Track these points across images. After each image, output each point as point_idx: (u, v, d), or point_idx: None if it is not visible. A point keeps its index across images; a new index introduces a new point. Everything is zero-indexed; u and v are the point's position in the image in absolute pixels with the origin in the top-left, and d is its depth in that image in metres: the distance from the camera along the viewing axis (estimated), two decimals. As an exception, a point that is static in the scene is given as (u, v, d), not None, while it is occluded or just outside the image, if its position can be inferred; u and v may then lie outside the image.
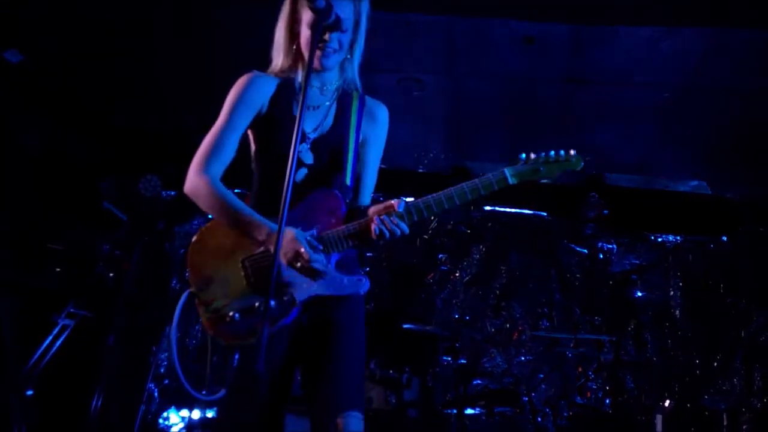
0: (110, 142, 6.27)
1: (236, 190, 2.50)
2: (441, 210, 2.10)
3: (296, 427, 4.35)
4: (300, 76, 2.30)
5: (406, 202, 2.09)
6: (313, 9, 2.04)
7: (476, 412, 5.08)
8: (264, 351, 1.65)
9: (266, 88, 2.29)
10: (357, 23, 2.25)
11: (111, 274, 5.77)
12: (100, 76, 5.40)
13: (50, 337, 5.02)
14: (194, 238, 2.23)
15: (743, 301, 6.15)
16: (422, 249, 6.78)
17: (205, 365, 2.16)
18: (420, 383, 5.06)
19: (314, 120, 2.29)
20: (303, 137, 2.24)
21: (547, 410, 5.44)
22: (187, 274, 2.20)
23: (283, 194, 1.76)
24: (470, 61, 4.81)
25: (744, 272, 6.24)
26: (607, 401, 5.46)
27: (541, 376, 6.06)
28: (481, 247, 6.73)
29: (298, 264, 2.03)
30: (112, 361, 5.41)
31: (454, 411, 4.92)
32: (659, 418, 4.78)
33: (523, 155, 2.17)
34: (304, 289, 2.08)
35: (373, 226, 2.06)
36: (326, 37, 2.17)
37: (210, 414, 5.35)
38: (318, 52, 2.18)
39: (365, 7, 2.26)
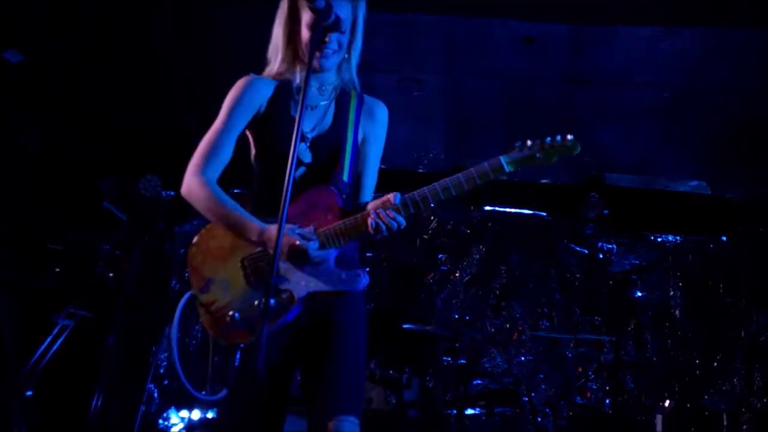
0: (110, 142, 6.27)
1: (235, 190, 2.50)
2: (437, 201, 2.08)
3: (296, 427, 4.36)
4: (298, 77, 2.31)
5: (402, 195, 2.08)
6: (313, 9, 2.04)
7: (476, 412, 5.08)
8: (263, 350, 1.65)
9: (264, 90, 2.31)
10: (354, 23, 2.27)
11: (111, 274, 5.77)
12: (100, 76, 5.40)
13: (50, 337, 5.03)
14: (194, 240, 2.24)
15: (743, 301, 6.15)
16: (422, 249, 6.78)
17: (205, 365, 2.17)
18: (420, 383, 5.05)
19: (312, 119, 2.30)
20: (302, 137, 2.25)
21: (547, 410, 5.44)
22: (187, 275, 2.21)
23: (283, 194, 1.77)
24: (470, 61, 4.81)
25: (744, 272, 6.24)
26: (607, 401, 5.45)
27: (541, 376, 6.06)
28: (481, 247, 6.73)
29: (296, 257, 2.04)
30: (112, 361, 5.41)
31: (454, 411, 4.92)
32: (659, 418, 4.78)
33: (519, 143, 2.11)
34: (303, 286, 2.08)
35: (369, 220, 2.06)
36: (326, 38, 2.17)
37: (210, 414, 5.35)
38: (317, 53, 2.19)
39: (362, 8, 2.28)
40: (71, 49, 5.04)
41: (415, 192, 2.09)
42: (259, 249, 2.13)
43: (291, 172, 1.79)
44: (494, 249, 6.72)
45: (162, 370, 5.99)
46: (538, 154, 2.11)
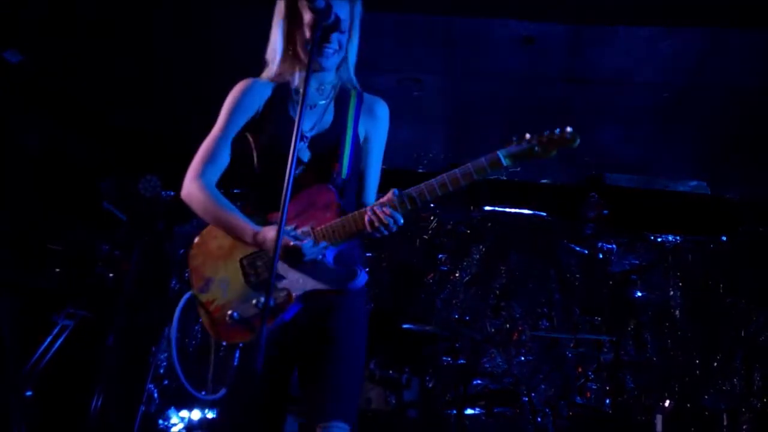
0: (110, 142, 6.27)
1: (236, 191, 2.50)
2: (434, 197, 2.06)
3: (296, 427, 4.37)
4: (297, 78, 2.32)
5: (400, 192, 2.08)
6: (313, 10, 2.04)
7: (476, 412, 5.08)
8: (263, 350, 1.65)
9: (262, 93, 2.33)
10: (351, 23, 2.28)
11: (111, 275, 5.77)
12: (100, 76, 5.40)
13: (50, 338, 5.02)
14: (195, 241, 2.26)
15: (743, 301, 6.15)
16: (422, 249, 6.78)
17: (204, 365, 2.17)
18: (420, 383, 5.05)
19: (311, 119, 2.30)
20: (300, 136, 2.25)
21: (547, 410, 5.44)
22: (187, 275, 2.21)
23: (283, 193, 1.77)
24: (470, 61, 4.80)
25: (744, 272, 6.24)
26: (607, 401, 5.46)
27: (541, 376, 6.06)
28: (481, 247, 6.73)
29: (291, 257, 2.05)
30: (111, 362, 5.41)
31: (454, 411, 4.92)
32: (659, 418, 4.78)
33: (516, 137, 2.08)
34: (300, 284, 2.08)
35: (365, 217, 2.06)
36: (327, 37, 2.18)
37: (210, 414, 5.35)
38: (318, 53, 2.20)
39: (359, 8, 2.30)
40: (71, 49, 5.03)
41: (411, 189, 2.08)
42: (257, 249, 2.15)
43: (291, 171, 1.79)
44: (494, 249, 6.72)
45: (162, 370, 5.99)
46: (536, 148, 2.07)
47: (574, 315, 6.40)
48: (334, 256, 2.13)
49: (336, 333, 2.14)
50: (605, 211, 6.03)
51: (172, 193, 6.32)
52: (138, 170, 6.15)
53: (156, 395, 5.71)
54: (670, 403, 5.36)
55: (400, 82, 5.07)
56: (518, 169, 6.40)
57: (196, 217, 2.28)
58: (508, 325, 6.41)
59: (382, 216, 2.04)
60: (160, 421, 5.62)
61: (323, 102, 2.33)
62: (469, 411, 5.04)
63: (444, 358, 5.28)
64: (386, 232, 2.07)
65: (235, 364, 2.06)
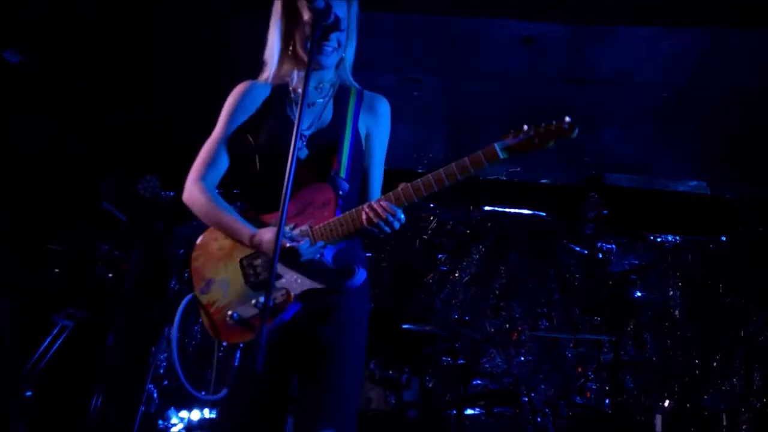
0: (110, 142, 6.27)
1: (236, 191, 2.50)
2: (431, 192, 2.04)
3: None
4: (296, 78, 2.33)
5: (398, 188, 2.07)
6: (313, 10, 2.04)
7: (476, 412, 5.08)
8: (262, 350, 1.65)
9: (260, 94, 2.35)
10: (349, 22, 2.29)
11: (110, 275, 5.77)
12: (100, 76, 5.40)
13: (50, 338, 5.02)
14: (197, 242, 2.27)
15: (743, 301, 6.15)
16: (422, 249, 6.78)
17: (204, 365, 2.17)
18: (419, 383, 5.05)
19: (309, 117, 2.30)
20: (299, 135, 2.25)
21: (547, 410, 5.43)
22: (186, 275, 2.22)
23: (283, 193, 1.77)
24: (470, 61, 4.81)
25: (743, 272, 6.24)
26: (607, 401, 5.46)
27: (541, 376, 6.06)
28: (480, 247, 6.73)
29: (288, 258, 2.05)
30: (111, 362, 5.41)
31: (454, 411, 4.92)
32: (659, 418, 4.78)
33: (513, 129, 2.03)
34: (298, 284, 2.08)
35: (363, 213, 2.05)
36: (326, 36, 2.18)
37: (209, 415, 5.35)
38: (317, 52, 2.20)
39: (355, 8, 2.31)
40: (71, 49, 5.03)
41: (408, 184, 2.07)
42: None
43: (291, 171, 1.79)
44: (494, 249, 6.73)
45: (162, 371, 5.99)
46: (534, 140, 2.00)
47: (573, 315, 6.40)
48: (333, 255, 2.13)
49: (335, 333, 2.13)
50: (605, 211, 6.03)
51: (171, 194, 6.32)
52: (138, 170, 6.15)
53: (156, 395, 5.71)
54: (669, 403, 5.36)
55: (400, 82, 5.07)
56: (518, 168, 6.43)
57: (196, 218, 2.28)
58: (507, 325, 6.41)
59: (379, 210, 2.03)
60: (160, 422, 5.61)
61: (321, 100, 2.33)
62: (469, 411, 5.04)
63: (444, 358, 5.28)
64: (387, 229, 2.05)
65: (236, 364, 2.05)
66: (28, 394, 4.85)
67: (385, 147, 2.42)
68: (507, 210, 6.77)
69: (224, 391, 2.05)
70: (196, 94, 5.28)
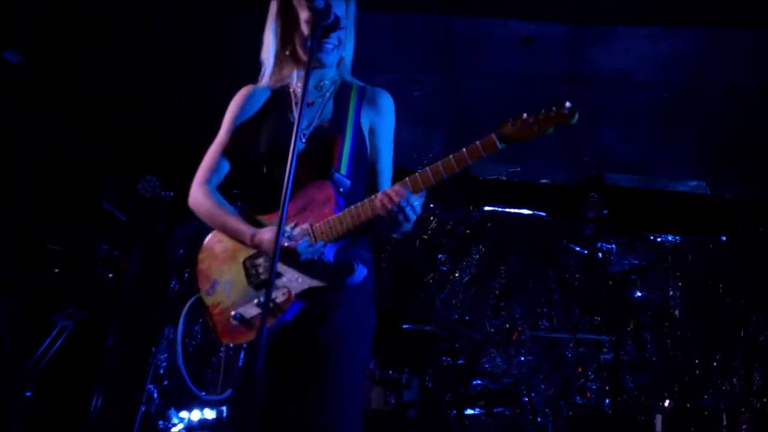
0: (110, 142, 6.26)
1: (236, 191, 2.51)
2: (429, 186, 2.03)
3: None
4: (295, 77, 2.34)
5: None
6: (312, 9, 2.04)
7: (476, 412, 5.07)
8: (263, 350, 1.65)
9: (261, 98, 2.37)
10: (347, 20, 2.29)
11: (110, 275, 5.76)
12: (100, 76, 5.40)
13: (50, 338, 5.02)
14: (203, 244, 2.31)
15: (742, 301, 6.14)
16: (422, 249, 6.77)
17: (204, 366, 2.18)
18: (419, 383, 5.05)
19: (309, 116, 2.30)
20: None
21: (547, 410, 5.42)
22: (186, 276, 2.23)
23: (283, 193, 1.77)
24: (470, 61, 4.81)
25: (743, 272, 6.24)
26: (607, 401, 5.45)
27: (541, 376, 6.06)
28: (480, 247, 6.72)
29: (288, 257, 2.06)
30: (111, 362, 5.40)
31: (454, 411, 4.91)
32: (659, 418, 4.77)
33: (512, 118, 2.02)
34: (299, 283, 2.08)
35: (377, 202, 2.03)
36: (326, 34, 2.19)
37: (210, 415, 5.35)
38: (317, 50, 2.20)
39: (353, 7, 2.32)
40: (71, 49, 5.03)
41: (406, 178, 2.06)
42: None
43: (291, 171, 1.79)
44: (494, 249, 6.72)
45: (162, 371, 5.98)
46: (534, 127, 1.99)
47: (573, 315, 6.40)
48: (334, 254, 2.13)
49: (334, 333, 2.12)
50: (605, 211, 6.02)
51: (171, 194, 6.31)
52: (138, 170, 6.15)
53: (156, 396, 5.71)
54: (669, 403, 5.34)
55: (400, 82, 5.07)
56: (518, 168, 6.41)
57: (197, 219, 2.30)
58: (507, 325, 6.41)
59: (393, 194, 2.01)
60: (160, 422, 5.61)
61: (321, 99, 2.33)
62: (468, 411, 5.03)
63: (444, 358, 5.28)
64: (400, 217, 2.01)
65: (240, 364, 2.06)
66: (28, 394, 4.85)
67: (392, 140, 2.41)
68: (507, 210, 6.77)
69: (228, 392, 2.06)
70: (196, 94, 5.28)
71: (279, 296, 2.06)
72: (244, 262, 2.18)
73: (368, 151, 2.34)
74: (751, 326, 6.07)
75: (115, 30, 4.74)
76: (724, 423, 4.72)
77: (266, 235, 2.10)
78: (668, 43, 4.35)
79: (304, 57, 2.25)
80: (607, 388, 5.47)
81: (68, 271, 5.39)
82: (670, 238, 6.54)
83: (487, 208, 6.76)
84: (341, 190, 2.18)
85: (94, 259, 5.72)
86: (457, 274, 6.65)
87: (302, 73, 2.28)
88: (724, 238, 6.40)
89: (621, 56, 4.54)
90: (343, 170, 2.20)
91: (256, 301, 2.10)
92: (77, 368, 5.32)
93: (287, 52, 2.31)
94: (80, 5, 4.48)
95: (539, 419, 5.16)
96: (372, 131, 2.36)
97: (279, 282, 2.08)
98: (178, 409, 5.61)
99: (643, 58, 4.53)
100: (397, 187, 2.03)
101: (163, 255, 6.41)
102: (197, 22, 4.65)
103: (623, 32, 4.31)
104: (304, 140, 2.25)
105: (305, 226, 2.12)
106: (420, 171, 2.04)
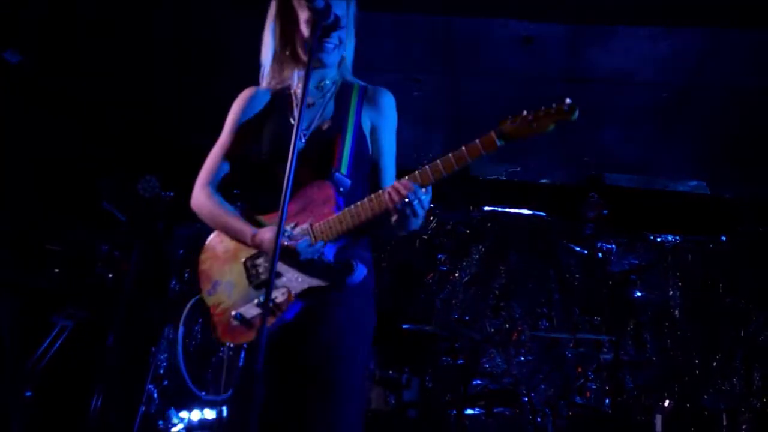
0: (110, 142, 6.26)
1: (236, 191, 2.51)
2: (428, 184, 2.03)
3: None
4: (296, 79, 2.34)
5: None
6: (312, 9, 2.04)
7: (476, 412, 5.07)
8: (263, 350, 1.65)
9: (262, 100, 2.38)
10: (348, 19, 2.29)
11: (110, 275, 5.76)
12: (100, 76, 5.40)
13: (50, 338, 5.02)
14: (204, 245, 2.32)
15: (742, 301, 6.15)
16: (421, 249, 6.77)
17: (204, 366, 2.18)
18: (419, 383, 5.05)
19: (310, 116, 2.30)
20: (300, 135, 2.25)
21: (547, 410, 5.42)
22: (186, 275, 2.24)
23: (283, 191, 1.77)
24: (470, 61, 4.81)
25: (743, 272, 6.24)
26: (607, 401, 5.45)
27: (541, 376, 6.06)
28: (480, 247, 6.72)
29: (288, 257, 2.06)
30: (111, 362, 5.40)
31: (454, 411, 4.92)
32: (659, 418, 4.77)
33: (511, 116, 2.01)
34: (299, 282, 2.08)
35: (385, 195, 2.01)
36: (326, 33, 2.18)
37: (210, 415, 5.35)
38: (319, 50, 2.21)
39: (353, 7, 2.32)
40: (71, 49, 5.03)
41: (406, 177, 2.06)
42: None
43: (291, 169, 1.79)
44: (494, 249, 6.72)
45: (162, 371, 5.98)
46: (533, 124, 1.98)
47: (573, 315, 6.40)
48: (334, 254, 2.13)
49: (333, 333, 2.11)
50: (605, 211, 6.02)
51: (171, 194, 6.31)
52: (137, 170, 6.15)
53: (156, 396, 5.70)
54: (669, 403, 5.34)
55: (400, 82, 5.07)
56: (518, 168, 6.41)
57: (197, 219, 2.30)
58: (507, 325, 6.41)
59: (401, 188, 1.99)
60: (160, 422, 5.61)
61: (322, 99, 2.33)
62: (468, 411, 5.03)
63: (444, 358, 5.28)
64: (408, 211, 1.99)
65: (241, 364, 2.06)
66: (28, 394, 4.85)
67: (394, 139, 2.41)
68: (507, 210, 6.77)
69: (229, 392, 2.06)
70: (196, 94, 5.28)
71: (279, 296, 2.06)
72: (244, 263, 2.18)
73: (369, 151, 2.33)
74: (751, 326, 6.08)
75: (115, 30, 4.74)
76: (724, 423, 4.72)
77: (266, 234, 2.11)
78: (668, 43, 4.36)
79: (304, 57, 2.25)
80: (607, 388, 5.47)
81: (68, 271, 5.39)
82: (670, 238, 6.54)
83: (487, 208, 6.76)
84: (341, 189, 2.18)
85: (94, 259, 5.72)
86: (457, 274, 6.65)
87: (303, 73, 2.28)
88: (723, 238, 6.40)
89: (621, 56, 4.54)
90: (344, 170, 2.20)
91: (256, 301, 2.10)
92: (77, 368, 5.32)
93: (287, 53, 2.31)
94: (80, 5, 4.48)
95: (539, 419, 5.16)
96: (374, 130, 2.35)
97: (279, 282, 2.08)
98: (178, 409, 5.61)
99: (643, 58, 4.54)
100: (404, 180, 2.02)
101: (163, 255, 6.42)
102: (197, 22, 4.65)
103: (623, 32, 4.31)
104: (304, 140, 2.25)
105: (305, 225, 2.12)
106: (420, 169, 2.04)
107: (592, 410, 5.37)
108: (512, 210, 6.76)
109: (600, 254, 6.48)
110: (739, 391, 5.84)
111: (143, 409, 5.32)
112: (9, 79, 5.09)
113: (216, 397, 2.04)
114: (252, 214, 2.24)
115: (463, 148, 2.02)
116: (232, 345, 2.15)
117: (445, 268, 6.68)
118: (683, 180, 6.32)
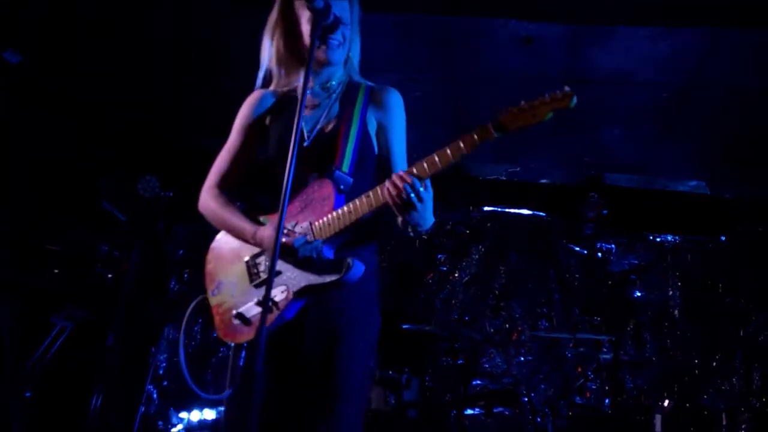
0: (110, 142, 6.26)
1: (242, 192, 2.53)
2: (425, 176, 2.01)
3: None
4: (301, 78, 2.32)
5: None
6: (312, 10, 2.04)
7: (476, 412, 5.07)
8: (263, 350, 1.65)
9: (268, 102, 2.40)
10: (351, 19, 2.29)
11: (110, 275, 5.76)
12: (100, 76, 5.40)
13: (49, 338, 5.02)
14: (210, 246, 2.34)
15: (742, 301, 6.15)
16: (421, 249, 6.77)
17: (204, 365, 2.18)
18: (419, 383, 5.05)
19: (315, 116, 2.31)
20: (302, 136, 2.25)
21: (547, 410, 5.42)
22: (186, 275, 2.25)
23: (283, 190, 1.77)
24: (470, 61, 4.81)
25: (743, 272, 6.24)
26: (607, 401, 5.45)
27: (541, 376, 6.06)
28: (480, 247, 6.72)
29: (287, 255, 2.07)
30: (111, 362, 5.40)
31: (454, 411, 4.92)
32: (658, 418, 4.77)
33: (508, 107, 2.02)
34: (298, 280, 2.08)
35: (384, 188, 1.99)
36: (331, 29, 2.17)
37: (209, 415, 5.35)
38: (324, 47, 2.22)
39: (357, 7, 2.32)
40: (71, 49, 5.03)
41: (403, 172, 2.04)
42: (260, 249, 2.19)
43: (291, 168, 1.79)
44: (493, 249, 6.72)
45: (161, 371, 5.98)
46: (530, 113, 2.00)
47: (573, 315, 6.40)
48: (333, 252, 2.13)
49: (333, 333, 2.12)
50: (605, 211, 6.03)
51: (171, 194, 6.31)
52: (137, 170, 6.15)
53: (155, 396, 5.71)
54: (669, 403, 5.35)
55: (400, 82, 5.07)
56: (518, 168, 6.40)
57: (197, 220, 2.31)
58: (507, 325, 6.41)
59: (397, 181, 1.98)
60: (160, 422, 5.61)
61: (327, 100, 2.33)
62: (468, 411, 5.04)
63: (444, 358, 5.28)
64: (413, 199, 1.97)
65: (241, 364, 2.06)
66: (28, 394, 4.85)
67: (403, 137, 2.38)
68: (507, 210, 6.77)
69: (227, 392, 2.06)
70: (196, 94, 5.28)
71: (278, 294, 2.07)
72: (247, 262, 2.20)
73: (375, 150, 2.32)
74: (751, 326, 6.08)
75: (115, 30, 4.74)
76: (724, 423, 4.72)
77: (266, 232, 2.13)
78: (668, 43, 4.35)
79: (306, 56, 2.24)
80: (606, 388, 5.47)
81: (68, 271, 5.39)
82: (669, 238, 6.54)
83: (486, 208, 6.76)
84: (342, 187, 2.16)
85: (94, 259, 5.72)
86: (456, 274, 6.65)
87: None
88: (723, 238, 6.40)
89: (621, 56, 4.54)
90: (345, 168, 2.18)
91: (256, 299, 2.11)
92: (77, 368, 5.32)
93: (291, 55, 2.31)
94: (80, 5, 4.48)
95: (539, 419, 5.16)
96: (381, 129, 2.34)
97: (278, 280, 2.08)
98: (178, 410, 5.62)
99: (643, 58, 4.53)
100: (401, 172, 2.00)
101: (163, 255, 6.42)
102: (197, 22, 4.65)
103: (623, 32, 4.31)
104: (308, 141, 2.25)
105: (305, 224, 2.12)
106: (416, 162, 2.03)
107: (592, 410, 5.37)
108: (512, 210, 6.76)
109: (600, 254, 6.48)
110: (739, 391, 5.84)
111: (143, 409, 5.32)
112: (9, 79, 5.09)
113: (216, 397, 2.02)
114: (256, 214, 2.26)
115: (459, 139, 2.01)
116: (232, 344, 2.14)
117: (444, 268, 6.68)
118: (683, 180, 6.32)
